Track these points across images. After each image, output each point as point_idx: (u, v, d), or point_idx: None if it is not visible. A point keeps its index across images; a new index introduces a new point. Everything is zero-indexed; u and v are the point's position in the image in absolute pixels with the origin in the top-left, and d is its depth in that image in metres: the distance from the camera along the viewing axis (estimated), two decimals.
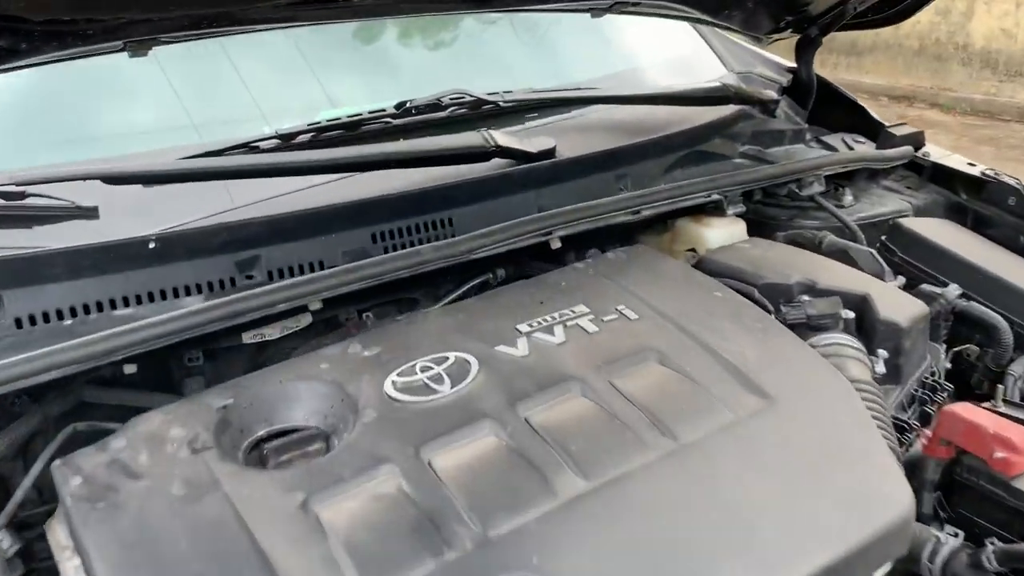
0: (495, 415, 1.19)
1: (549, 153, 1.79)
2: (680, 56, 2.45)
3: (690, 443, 1.18)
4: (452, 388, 1.23)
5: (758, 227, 2.04)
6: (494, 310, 1.43)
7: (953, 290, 1.81)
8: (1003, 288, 1.81)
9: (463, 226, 1.61)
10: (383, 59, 2.10)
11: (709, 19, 1.95)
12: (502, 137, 1.73)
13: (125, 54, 1.32)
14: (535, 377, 1.26)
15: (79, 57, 1.27)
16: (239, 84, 1.86)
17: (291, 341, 1.50)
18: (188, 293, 1.37)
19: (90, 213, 1.43)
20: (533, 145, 1.79)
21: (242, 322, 1.28)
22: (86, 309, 1.31)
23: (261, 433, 1.21)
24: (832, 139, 2.30)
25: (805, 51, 2.28)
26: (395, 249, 1.54)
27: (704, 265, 1.75)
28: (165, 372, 1.44)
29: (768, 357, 1.36)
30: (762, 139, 2.19)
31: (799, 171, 1.94)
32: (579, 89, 2.03)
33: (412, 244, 1.56)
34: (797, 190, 1.98)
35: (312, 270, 1.46)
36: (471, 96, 1.85)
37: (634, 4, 1.76)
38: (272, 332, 1.45)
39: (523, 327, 1.38)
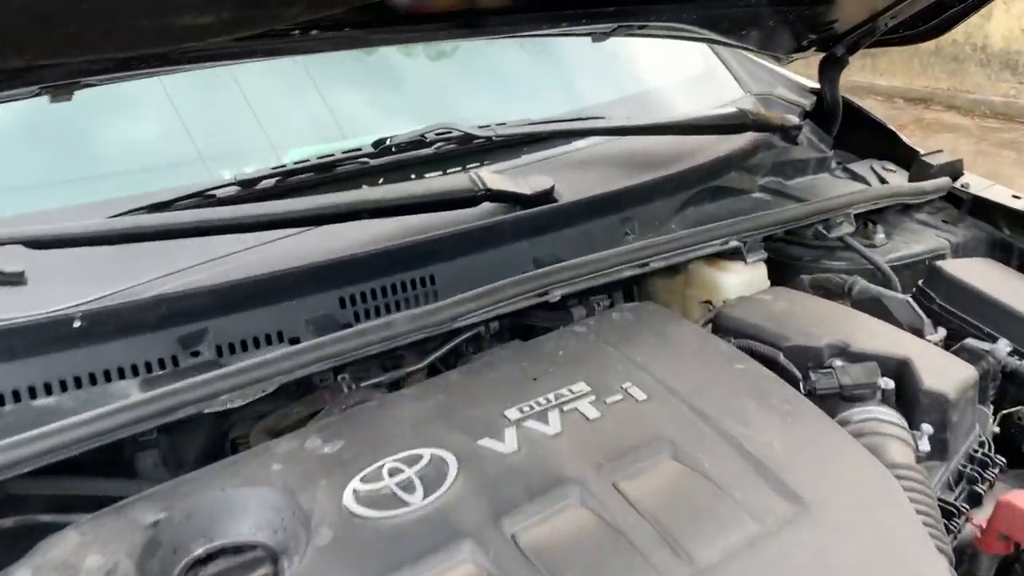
0: (475, 534, 0.99)
1: (546, 195, 1.59)
2: (693, 77, 2.25)
3: (708, 566, 0.98)
4: (425, 498, 1.04)
5: (780, 268, 1.84)
6: (480, 390, 1.23)
7: (1003, 347, 1.60)
8: None
9: (447, 283, 1.42)
10: (377, 80, 1.90)
11: (723, 40, 1.75)
12: (493, 178, 1.54)
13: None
14: (525, 481, 1.07)
15: None
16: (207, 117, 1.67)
17: (258, 406, 1.31)
18: (122, 376, 1.18)
19: (15, 279, 1.24)
20: (528, 186, 1.59)
21: (180, 417, 1.09)
22: (0, 399, 1.12)
23: (199, 552, 1.02)
24: (860, 167, 2.10)
25: (830, 71, 2.07)
26: (366, 315, 1.35)
27: (721, 322, 1.55)
28: (113, 447, 1.25)
29: (799, 449, 1.16)
30: (784, 170, 1.99)
31: (827, 211, 1.73)
32: (579, 120, 1.83)
33: (387, 308, 1.37)
34: (825, 231, 1.78)
35: (269, 342, 1.27)
36: (459, 130, 1.65)
37: (640, 27, 1.56)
38: (235, 400, 1.26)
39: (512, 413, 1.18)
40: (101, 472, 1.25)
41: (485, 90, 1.94)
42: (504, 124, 1.73)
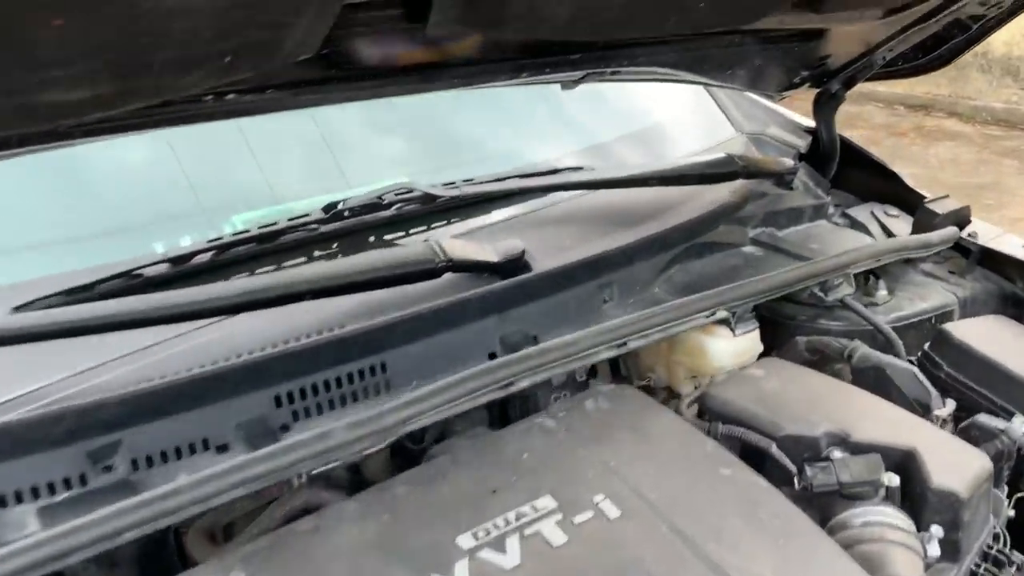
0: None
1: (517, 262, 1.45)
2: (683, 116, 2.10)
3: None
4: None
5: (774, 327, 1.69)
6: (430, 509, 1.09)
7: (1019, 425, 1.45)
8: None
9: (400, 372, 1.27)
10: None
11: (706, 81, 1.61)
12: (455, 245, 1.39)
13: None
14: None
15: None
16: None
17: None
18: (19, 501, 1.03)
19: None
20: (496, 251, 1.44)
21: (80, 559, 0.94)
22: None
23: None
24: (860, 212, 1.96)
25: (825, 108, 1.93)
26: (306, 412, 1.20)
27: (708, 404, 1.40)
28: None
29: None
30: (777, 220, 1.84)
31: (823, 272, 1.59)
32: (552, 172, 1.68)
33: (331, 404, 1.22)
34: (822, 294, 1.63)
35: (193, 451, 1.12)
36: (419, 190, 1.50)
37: (612, 72, 1.41)
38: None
39: (465, 540, 1.03)
40: None
41: (455, 139, 1.79)
42: (471, 180, 1.59)
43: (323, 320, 1.28)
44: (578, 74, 1.38)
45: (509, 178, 1.60)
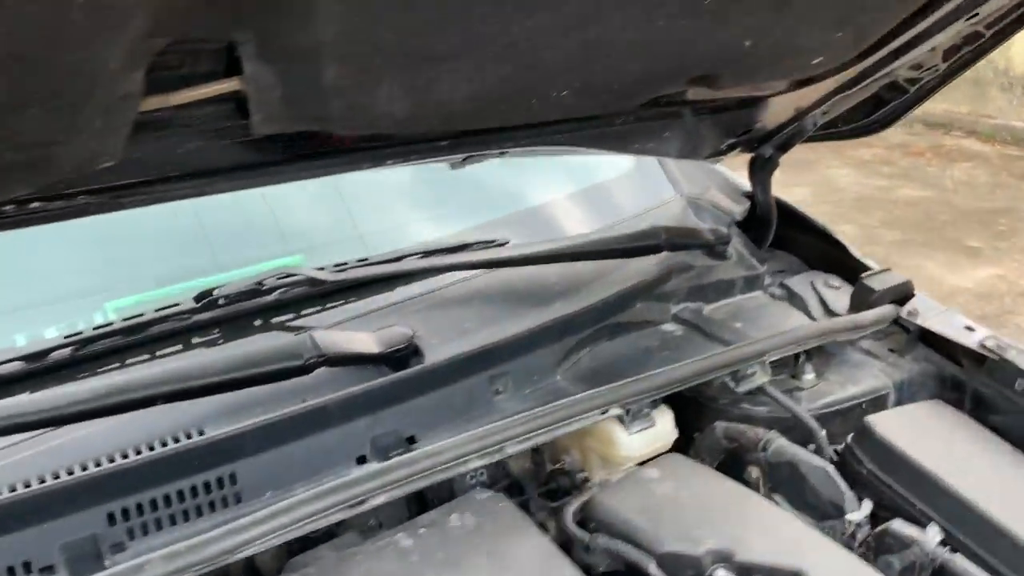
0: None
1: (402, 352, 1.38)
2: (620, 176, 2.02)
3: None
4: None
5: (698, 408, 1.61)
6: None
7: (933, 535, 1.35)
8: (999, 534, 1.35)
9: (253, 483, 1.21)
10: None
11: (615, 152, 1.53)
12: (330, 337, 1.33)
13: None
14: None
15: None
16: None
17: None
18: None
19: None
20: (380, 341, 1.38)
21: None
22: None
23: None
24: (798, 283, 1.86)
25: (760, 172, 1.84)
26: (143, 529, 1.14)
27: (592, 512, 1.33)
28: None
29: None
30: (704, 294, 1.76)
31: (734, 362, 1.50)
32: (460, 249, 1.60)
33: (171, 519, 1.16)
34: (733, 384, 1.54)
35: (14, 575, 1.07)
36: (303, 274, 1.44)
37: (500, 153, 1.34)
38: None
39: None
40: None
41: (362, 212, 1.72)
42: (365, 260, 1.52)
43: (177, 424, 1.22)
44: (458, 157, 1.31)
45: (406, 257, 1.54)
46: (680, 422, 1.56)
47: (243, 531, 1.06)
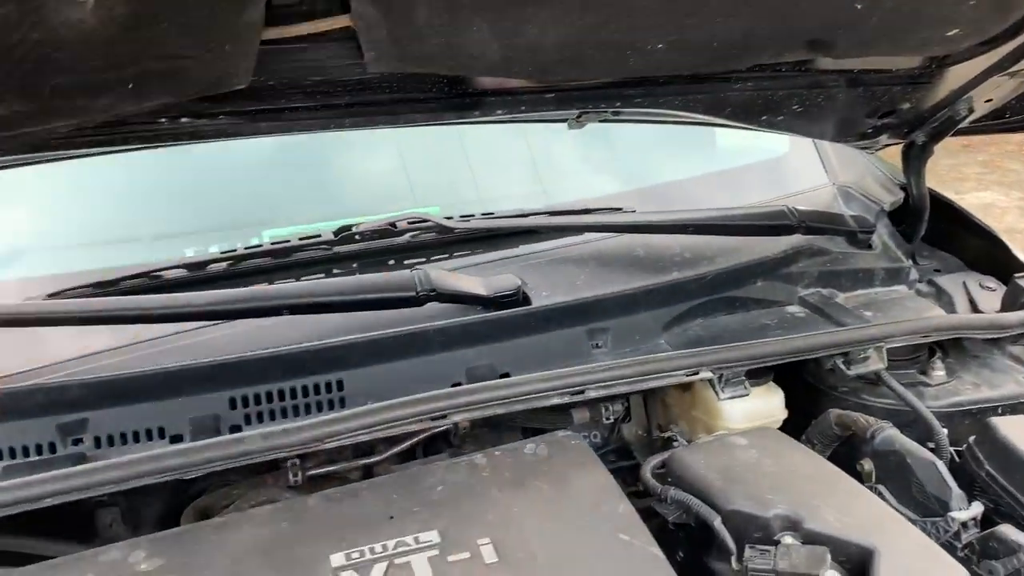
0: None
1: (509, 298, 1.47)
2: (771, 160, 1.99)
3: None
4: None
5: (814, 394, 1.58)
6: (326, 523, 1.14)
7: None
8: None
9: (357, 391, 1.35)
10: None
11: (740, 123, 1.52)
12: (443, 276, 1.44)
13: None
14: None
15: None
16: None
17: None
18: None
19: None
20: (488, 286, 1.48)
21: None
22: None
23: None
24: (949, 281, 1.76)
25: (912, 162, 1.75)
26: (259, 417, 1.31)
27: (671, 465, 1.34)
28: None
29: None
30: (838, 281, 1.70)
31: (846, 343, 1.45)
32: (584, 212, 1.67)
33: (283, 412, 1.32)
34: (844, 367, 1.49)
35: (150, 437, 1.27)
36: (432, 220, 1.57)
37: (614, 113, 1.39)
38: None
39: (337, 559, 1.08)
40: (59, 524, 1.29)
41: (506, 170, 1.83)
42: (491, 214, 1.63)
43: (300, 334, 1.38)
44: (569, 112, 1.38)
45: (532, 215, 1.62)
46: (795, 406, 1.54)
47: (332, 424, 1.19)
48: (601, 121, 1.44)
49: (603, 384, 1.33)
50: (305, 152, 1.73)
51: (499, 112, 1.31)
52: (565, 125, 1.47)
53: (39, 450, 1.24)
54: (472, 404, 1.26)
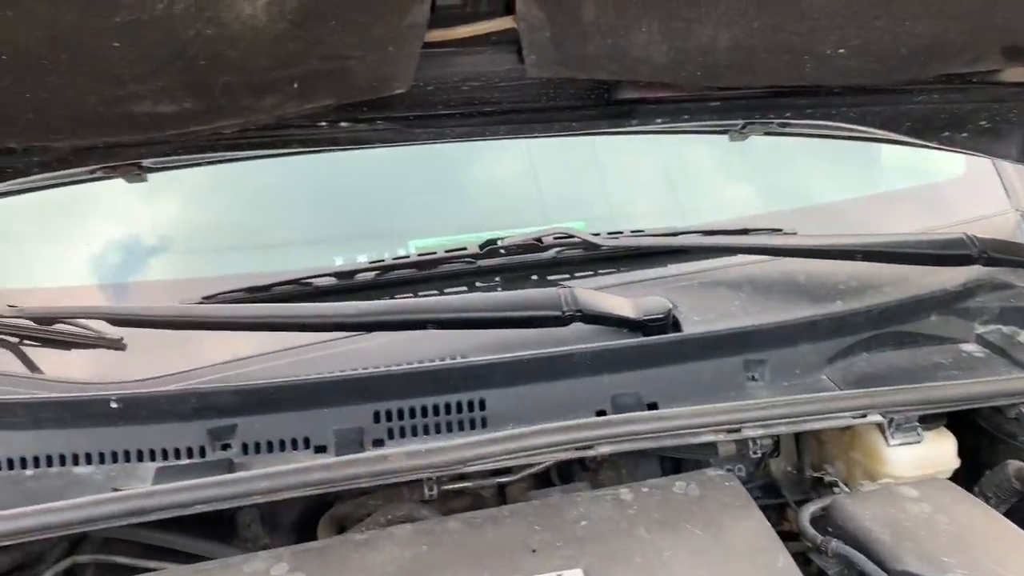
0: None
1: (658, 322, 1.40)
2: (944, 182, 1.84)
3: None
4: None
5: (991, 442, 1.44)
6: (466, 551, 1.11)
7: None
8: None
9: (499, 411, 1.31)
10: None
11: (918, 140, 1.40)
12: (590, 296, 1.39)
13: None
14: None
15: (59, 183, 1.22)
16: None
17: None
18: (152, 458, 1.25)
19: (117, 344, 1.39)
20: (638, 308, 1.41)
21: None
22: (49, 461, 1.25)
23: None
24: None
25: None
26: (401, 432, 1.29)
27: (833, 514, 1.24)
28: None
29: None
30: (1022, 318, 1.55)
31: (1012, 393, 1.31)
32: (740, 233, 1.58)
33: (424, 429, 1.30)
34: (1013, 415, 1.34)
35: (295, 447, 1.27)
36: (579, 236, 1.51)
37: (780, 124, 1.30)
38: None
39: None
40: (202, 521, 1.33)
41: (642, 183, 1.76)
42: (641, 231, 1.56)
43: (444, 349, 1.36)
44: (734, 123, 1.30)
45: (683, 233, 1.55)
46: (967, 453, 1.41)
47: (478, 446, 1.15)
48: (766, 134, 1.35)
49: (761, 423, 1.24)
50: (445, 161, 1.72)
51: (657, 121, 1.24)
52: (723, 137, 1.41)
53: (190, 453, 1.26)
54: (620, 436, 1.20)
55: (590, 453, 1.21)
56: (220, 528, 1.33)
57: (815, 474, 1.50)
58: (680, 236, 1.55)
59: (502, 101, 1.16)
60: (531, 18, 0.96)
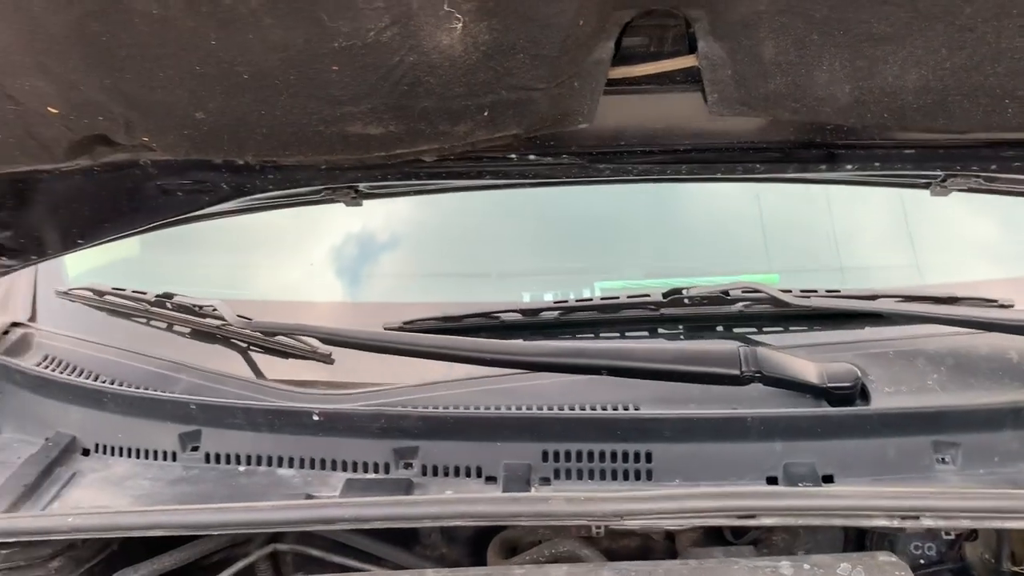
0: None
1: (842, 391, 1.35)
2: None
3: None
4: None
5: None
6: None
7: None
8: None
9: (666, 466, 1.32)
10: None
11: None
12: (772, 357, 1.36)
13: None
14: None
15: (284, 203, 1.37)
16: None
17: None
18: (344, 469, 1.39)
19: (326, 359, 1.55)
20: (822, 374, 1.37)
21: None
22: (258, 461, 1.41)
23: None
24: None
25: None
26: (567, 474, 1.34)
27: None
28: None
29: None
30: None
31: None
32: (948, 301, 1.48)
33: (590, 474, 1.34)
34: None
35: (468, 475, 1.35)
36: (767, 292, 1.49)
37: (988, 179, 1.21)
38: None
39: None
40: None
41: (838, 243, 1.69)
42: (834, 292, 1.50)
43: (615, 395, 1.39)
44: (937, 174, 1.22)
45: (881, 297, 1.48)
46: None
47: (637, 502, 1.17)
48: (969, 189, 1.27)
49: (943, 514, 1.16)
50: (631, 203, 1.75)
51: (848, 168, 1.20)
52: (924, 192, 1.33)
53: (376, 468, 1.38)
54: (786, 510, 1.17)
55: (752, 523, 1.19)
56: (403, 533, 1.44)
57: (1015, 568, 1.39)
58: (879, 300, 1.48)
59: (684, 140, 1.18)
60: (713, 56, 0.97)
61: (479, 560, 1.43)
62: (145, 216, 1.37)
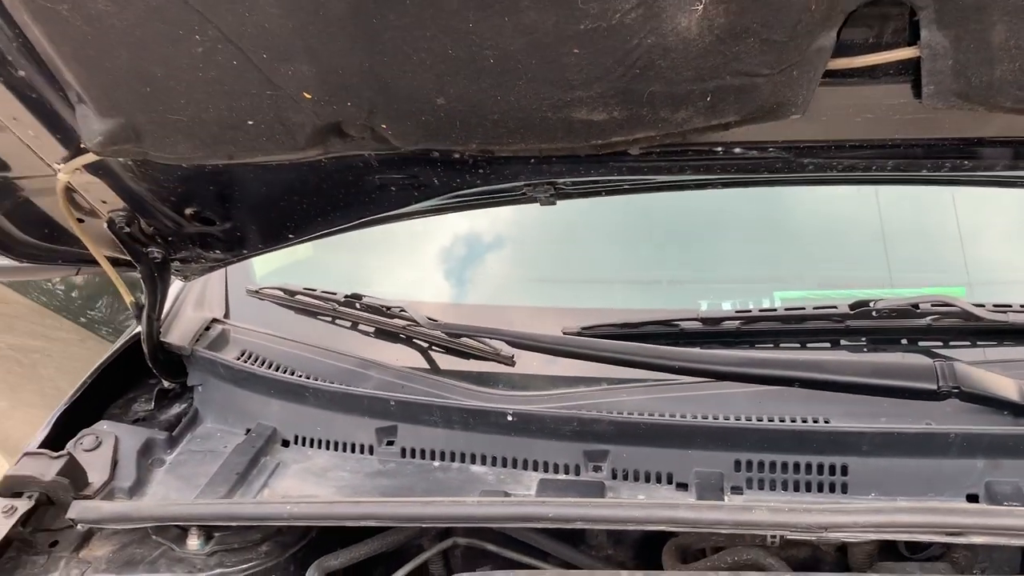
0: None
1: None
2: None
3: None
4: None
5: None
6: None
7: None
8: None
9: (862, 479, 1.32)
10: None
11: None
12: (970, 373, 1.34)
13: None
14: None
15: (481, 202, 1.41)
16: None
17: None
18: (536, 468, 1.43)
19: (508, 361, 1.60)
20: (1022, 391, 1.34)
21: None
22: (452, 457, 1.48)
23: None
24: None
25: None
26: (759, 484, 1.35)
27: None
28: None
29: None
30: None
31: None
32: None
33: (783, 485, 1.35)
34: None
35: (659, 480, 1.38)
36: (959, 306, 1.46)
37: None
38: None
39: None
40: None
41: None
42: None
43: (808, 408, 1.39)
44: None
45: None
46: None
47: (840, 514, 1.17)
48: None
49: None
50: (808, 210, 1.74)
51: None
52: None
53: (567, 469, 1.43)
54: (999, 529, 1.16)
55: (960, 540, 1.18)
56: (571, 532, 1.48)
57: None
58: None
59: (891, 134, 1.15)
60: (936, 45, 0.95)
61: (645, 562, 1.45)
62: (356, 211, 1.40)
